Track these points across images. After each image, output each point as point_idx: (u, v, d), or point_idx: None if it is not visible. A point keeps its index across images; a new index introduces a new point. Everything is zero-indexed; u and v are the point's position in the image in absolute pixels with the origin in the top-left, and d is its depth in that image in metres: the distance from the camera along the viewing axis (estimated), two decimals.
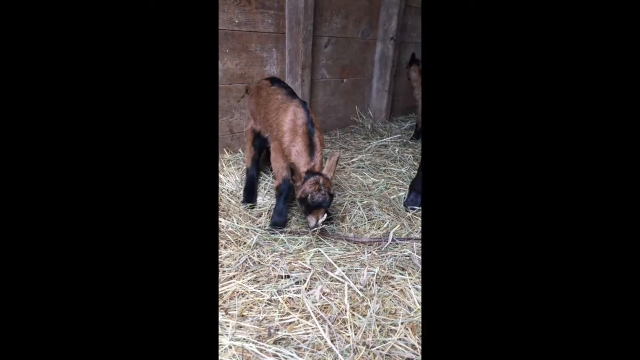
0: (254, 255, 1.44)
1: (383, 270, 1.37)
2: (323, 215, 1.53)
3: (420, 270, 1.38)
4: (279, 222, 1.68)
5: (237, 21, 2.26)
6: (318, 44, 2.86)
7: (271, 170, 1.93)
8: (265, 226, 1.70)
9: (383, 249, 1.55)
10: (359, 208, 1.89)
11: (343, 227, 1.75)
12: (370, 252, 1.51)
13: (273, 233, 1.63)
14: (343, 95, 3.28)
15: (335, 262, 1.41)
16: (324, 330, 1.08)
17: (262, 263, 1.41)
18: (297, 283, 1.30)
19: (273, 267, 1.37)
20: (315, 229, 1.55)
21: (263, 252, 1.48)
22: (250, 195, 1.91)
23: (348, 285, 1.26)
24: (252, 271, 1.35)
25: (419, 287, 1.29)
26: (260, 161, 2.10)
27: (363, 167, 2.49)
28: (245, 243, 1.53)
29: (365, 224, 1.78)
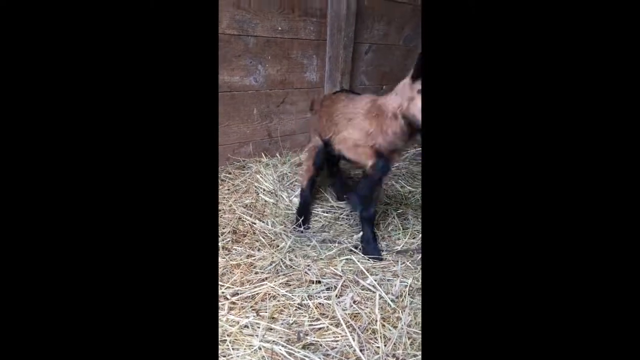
0: (286, 259, 1.46)
1: (416, 282, 1.34)
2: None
3: None
4: (372, 213, 1.56)
5: (280, 28, 2.31)
6: (359, 50, 2.86)
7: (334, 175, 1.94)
8: (298, 229, 1.71)
9: (417, 260, 1.51)
10: (393, 217, 1.86)
11: (376, 234, 1.73)
12: (403, 263, 1.48)
13: (302, 237, 1.64)
14: None
15: (367, 270, 1.40)
16: (353, 338, 1.07)
17: (294, 267, 1.42)
18: (328, 289, 1.30)
19: (305, 272, 1.37)
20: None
21: (295, 256, 1.49)
22: (304, 217, 1.78)
23: (379, 295, 1.24)
24: (284, 274, 1.37)
25: None
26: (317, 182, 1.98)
27: (399, 175, 2.45)
28: (278, 246, 1.56)
29: (399, 233, 1.75)
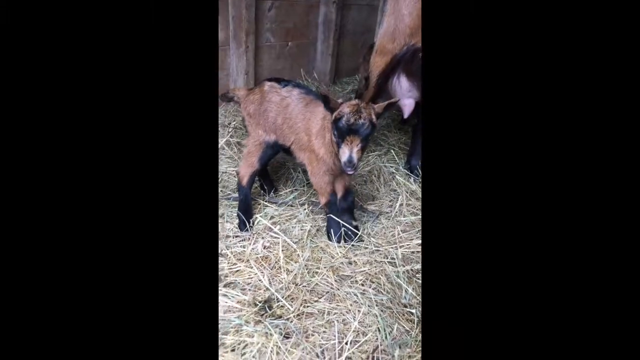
0: None
1: (314, 227, 1.69)
2: (359, 149, 1.33)
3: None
4: (338, 233, 1.62)
5: None
6: (262, 8, 2.91)
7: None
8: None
9: (318, 209, 1.85)
10: (299, 172, 2.16)
11: (284, 189, 2.03)
12: (306, 210, 1.81)
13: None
14: (288, 58, 3.40)
15: (275, 221, 1.70)
16: (263, 274, 1.39)
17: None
18: (243, 240, 1.58)
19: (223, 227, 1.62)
20: (351, 168, 1.34)
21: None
22: (247, 217, 1.68)
23: (284, 240, 1.57)
24: None
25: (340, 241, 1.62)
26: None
27: None
28: None
29: (304, 187, 2.06)
